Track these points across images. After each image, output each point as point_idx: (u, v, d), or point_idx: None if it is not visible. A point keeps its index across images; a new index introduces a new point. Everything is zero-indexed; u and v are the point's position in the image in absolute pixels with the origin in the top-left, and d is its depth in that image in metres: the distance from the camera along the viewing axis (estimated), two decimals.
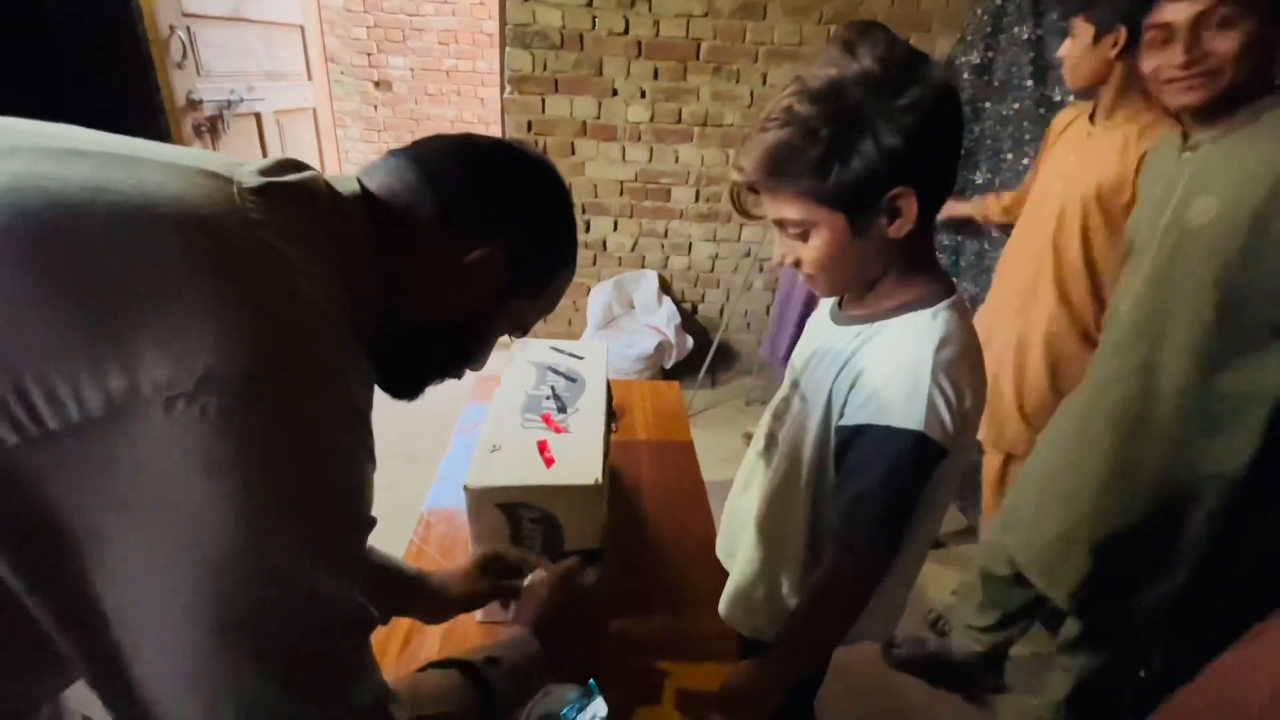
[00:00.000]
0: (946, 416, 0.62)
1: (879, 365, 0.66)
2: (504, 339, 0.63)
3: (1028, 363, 1.38)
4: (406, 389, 0.54)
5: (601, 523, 0.80)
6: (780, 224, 0.66)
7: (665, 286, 2.95)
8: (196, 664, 0.33)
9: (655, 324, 2.77)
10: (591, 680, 0.76)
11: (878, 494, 0.64)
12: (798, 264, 0.69)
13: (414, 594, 0.71)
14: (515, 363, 1.07)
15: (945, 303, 0.66)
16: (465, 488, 0.76)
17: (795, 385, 0.80)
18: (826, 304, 0.82)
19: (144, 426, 0.30)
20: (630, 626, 0.89)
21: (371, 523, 0.43)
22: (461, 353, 0.55)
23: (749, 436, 2.37)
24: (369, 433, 0.41)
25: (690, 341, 2.82)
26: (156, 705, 0.33)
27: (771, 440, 0.83)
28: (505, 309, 0.54)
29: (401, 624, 0.88)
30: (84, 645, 0.33)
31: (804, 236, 0.66)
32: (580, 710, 0.74)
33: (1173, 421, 0.95)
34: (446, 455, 1.19)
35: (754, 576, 0.82)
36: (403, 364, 0.51)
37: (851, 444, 0.67)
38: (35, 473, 0.30)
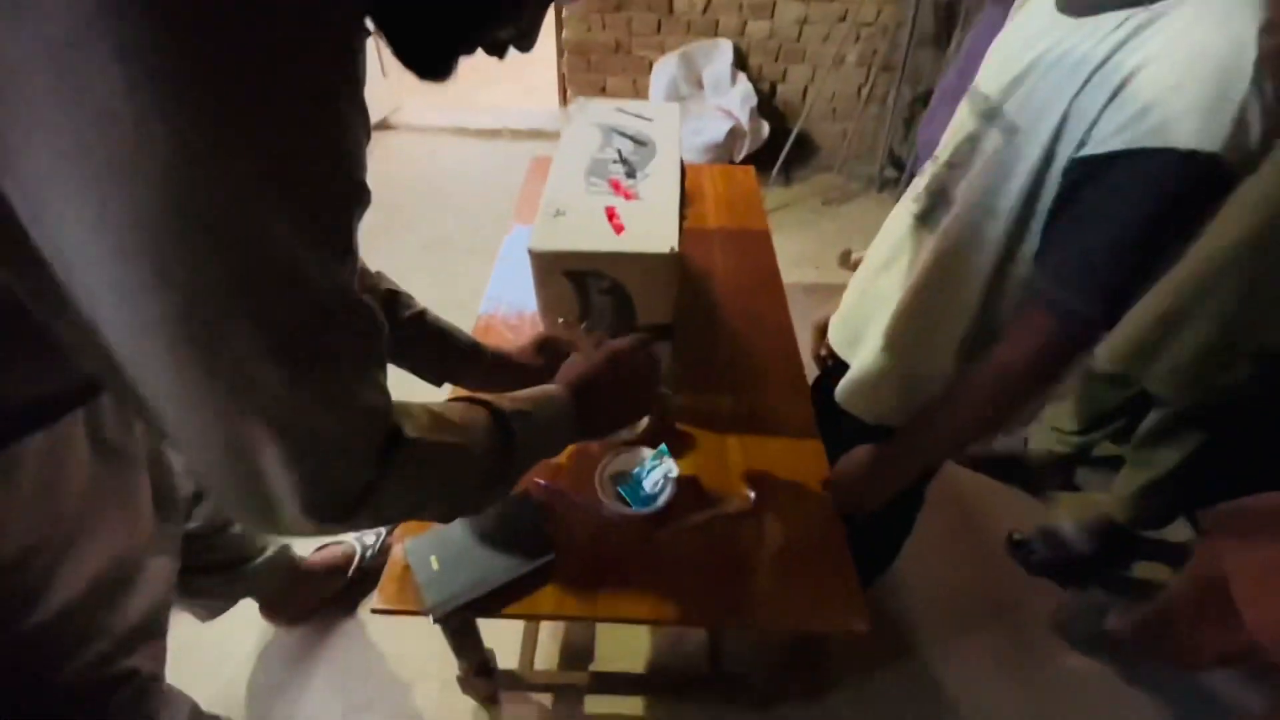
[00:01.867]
0: (1257, 132, 0.45)
1: (1164, 63, 0.47)
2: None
3: None
4: (424, 52, 0.40)
5: (674, 297, 0.79)
6: None
7: (741, 60, 2.61)
8: (162, 345, 0.28)
9: (727, 106, 2.50)
10: (663, 445, 0.80)
11: (1124, 244, 0.50)
12: None
13: (468, 360, 0.71)
14: (575, 124, 0.99)
15: None
16: (530, 251, 0.74)
17: (991, 116, 0.62)
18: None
19: None
20: (700, 401, 0.91)
21: (366, 196, 0.34)
22: None
23: (847, 256, 2.21)
24: (358, 78, 0.32)
25: (765, 129, 2.56)
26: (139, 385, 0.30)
27: (939, 200, 0.68)
28: None
29: None
30: (35, 294, 0.29)
31: None
32: (652, 470, 0.79)
33: None
34: (507, 238, 1.20)
35: (888, 363, 0.76)
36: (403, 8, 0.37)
37: (1094, 179, 0.51)
38: None
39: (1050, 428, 1.42)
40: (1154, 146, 0.47)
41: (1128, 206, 0.49)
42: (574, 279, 0.76)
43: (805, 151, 2.83)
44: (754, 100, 2.51)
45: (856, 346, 0.84)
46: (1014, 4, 0.67)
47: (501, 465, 0.48)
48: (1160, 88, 0.47)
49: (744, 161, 2.54)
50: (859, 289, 0.85)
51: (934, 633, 1.22)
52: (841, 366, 0.87)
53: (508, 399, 0.52)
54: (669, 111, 1.03)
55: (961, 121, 0.68)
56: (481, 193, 2.60)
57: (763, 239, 1.22)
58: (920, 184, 0.74)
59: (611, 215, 0.78)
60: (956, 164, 0.66)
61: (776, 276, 1.14)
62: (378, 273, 0.68)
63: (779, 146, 2.56)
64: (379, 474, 0.37)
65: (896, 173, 2.71)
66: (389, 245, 2.32)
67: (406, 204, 2.54)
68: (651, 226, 0.77)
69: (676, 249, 0.74)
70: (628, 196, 0.82)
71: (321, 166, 0.30)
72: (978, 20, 1.93)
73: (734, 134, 2.45)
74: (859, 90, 2.67)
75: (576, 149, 0.92)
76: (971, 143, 0.65)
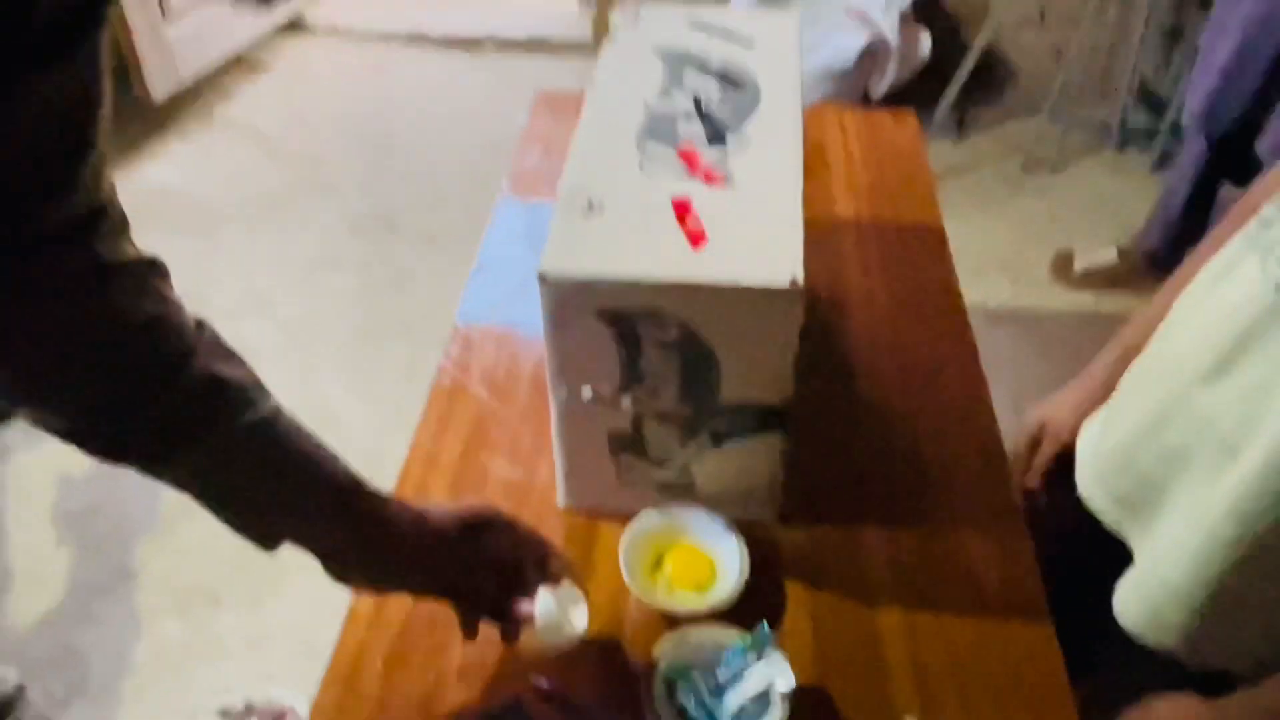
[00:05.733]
0: None
1: None
2: None
3: None
4: None
5: (793, 359, 0.78)
6: None
7: None
8: None
9: (861, 7, 2.56)
10: (764, 623, 0.77)
11: None
12: None
13: (326, 510, 0.70)
14: (621, 47, 1.01)
15: None
16: (542, 278, 0.74)
17: None
18: None
19: None
20: (830, 541, 0.89)
21: None
22: None
23: (1067, 263, 2.24)
24: None
25: (925, 43, 2.62)
26: None
27: None
28: None
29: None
30: None
31: None
32: (743, 673, 0.75)
33: None
34: (488, 230, 1.23)
35: (1238, 559, 0.73)
36: None
37: None
38: None
39: None
40: None
41: None
42: (616, 323, 0.76)
43: (993, 83, 2.86)
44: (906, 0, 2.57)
45: (1148, 512, 0.82)
46: None
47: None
48: None
49: (891, 98, 2.58)
50: (1156, 400, 0.82)
51: None
52: (1070, 515, 0.86)
53: None
54: (780, 27, 1.04)
55: None
56: (451, 142, 2.67)
57: (936, 244, 1.23)
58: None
59: (684, 214, 0.79)
60: None
61: (961, 313, 1.13)
62: (168, 295, 0.66)
63: (947, 74, 2.61)
64: None
65: (1152, 119, 2.71)
66: (297, 221, 2.38)
67: (329, 156, 2.62)
68: (755, 236, 0.77)
69: (801, 281, 0.73)
70: (711, 179, 0.83)
71: None
72: None
73: (873, 53, 2.50)
74: None
75: (622, 91, 0.93)
76: None
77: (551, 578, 0.77)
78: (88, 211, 0.59)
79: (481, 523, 0.76)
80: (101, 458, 0.64)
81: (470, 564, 0.75)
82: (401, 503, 0.73)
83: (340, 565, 0.71)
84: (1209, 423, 0.76)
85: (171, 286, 0.66)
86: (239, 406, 0.65)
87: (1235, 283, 0.75)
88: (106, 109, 0.55)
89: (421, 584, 0.74)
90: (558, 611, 0.77)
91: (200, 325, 0.66)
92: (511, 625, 0.77)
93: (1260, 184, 0.85)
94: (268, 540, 0.69)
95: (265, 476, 0.67)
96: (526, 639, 0.78)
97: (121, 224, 0.63)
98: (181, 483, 0.66)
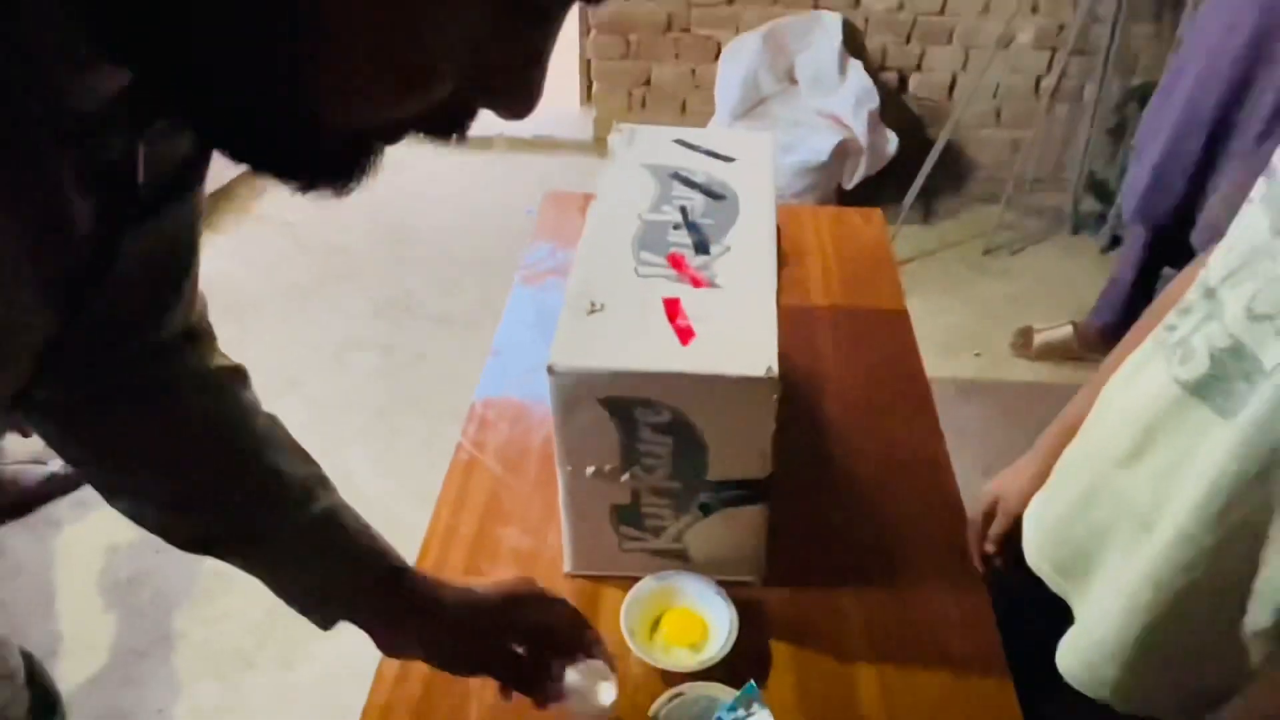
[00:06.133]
0: None
1: None
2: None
3: None
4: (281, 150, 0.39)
5: (772, 439, 0.81)
6: None
7: (854, 41, 2.76)
8: None
9: (834, 110, 2.62)
10: (751, 682, 0.79)
11: None
12: None
13: (380, 591, 0.71)
14: (618, 165, 1.05)
15: None
16: (550, 370, 0.78)
17: None
18: None
19: None
20: (809, 602, 0.92)
21: None
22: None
23: (1027, 337, 2.27)
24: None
25: (893, 142, 2.68)
26: None
27: (1231, 365, 0.68)
28: None
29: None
30: None
31: None
32: None
33: None
34: (504, 316, 1.27)
35: (1155, 620, 0.77)
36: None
37: None
38: None
39: None
40: None
41: None
42: (615, 409, 0.80)
43: (955, 175, 2.91)
44: (875, 101, 2.62)
45: (1082, 579, 0.85)
46: None
47: None
48: None
49: (859, 189, 2.64)
50: (1085, 481, 0.86)
51: None
52: (1022, 580, 0.88)
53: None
54: (757, 145, 1.09)
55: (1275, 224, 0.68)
56: (464, 231, 2.74)
57: (900, 327, 1.28)
58: (1184, 327, 0.75)
59: (674, 313, 0.83)
60: (1263, 314, 0.66)
61: (925, 390, 1.17)
62: (248, 398, 0.70)
63: (913, 168, 2.66)
64: None
65: (1101, 206, 2.76)
66: (325, 307, 2.43)
67: (353, 246, 2.68)
68: (736, 331, 0.81)
69: (775, 371, 0.77)
70: (697, 283, 0.87)
71: None
72: None
73: (844, 151, 2.55)
74: (1037, 83, 2.76)
75: (620, 204, 0.98)
76: None
77: (584, 652, 0.77)
78: (184, 328, 0.63)
79: (521, 596, 0.76)
80: (179, 545, 0.67)
81: (509, 633, 0.75)
82: (443, 582, 0.75)
83: (393, 641, 0.74)
84: (1127, 502, 0.79)
85: (251, 390, 0.69)
86: (301, 502, 0.68)
87: (1146, 378, 0.79)
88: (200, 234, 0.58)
89: (469, 655, 0.74)
90: (586, 685, 0.77)
91: (273, 421, 0.70)
92: (541, 697, 0.77)
93: (1176, 284, 0.88)
94: (326, 620, 0.70)
95: (323, 566, 0.69)
96: (557, 711, 0.79)
97: (209, 336, 0.67)
98: (248, 568, 0.68)
